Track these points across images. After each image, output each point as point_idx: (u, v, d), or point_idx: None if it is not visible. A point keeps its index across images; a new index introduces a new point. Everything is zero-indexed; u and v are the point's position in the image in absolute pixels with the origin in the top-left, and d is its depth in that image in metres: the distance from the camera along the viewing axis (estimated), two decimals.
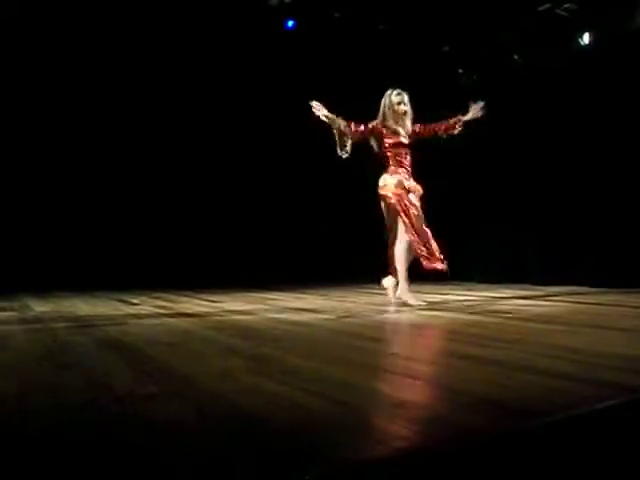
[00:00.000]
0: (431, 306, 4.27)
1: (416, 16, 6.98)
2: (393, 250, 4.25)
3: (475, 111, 4.52)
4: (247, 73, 7.62)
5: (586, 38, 6.71)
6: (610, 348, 2.31)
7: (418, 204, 4.28)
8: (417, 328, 3.21)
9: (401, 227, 4.19)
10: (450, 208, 7.44)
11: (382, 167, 4.42)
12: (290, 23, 7.26)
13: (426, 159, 4.58)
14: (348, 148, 4.28)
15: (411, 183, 4.35)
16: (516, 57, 7.53)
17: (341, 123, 4.26)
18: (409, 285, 4.25)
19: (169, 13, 6.63)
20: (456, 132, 4.52)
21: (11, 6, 6.10)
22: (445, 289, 6.18)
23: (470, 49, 7.81)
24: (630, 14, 6.14)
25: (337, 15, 7.04)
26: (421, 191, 4.39)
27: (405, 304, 4.18)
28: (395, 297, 4.29)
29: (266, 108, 7.87)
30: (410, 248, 4.17)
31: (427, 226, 4.22)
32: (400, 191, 4.24)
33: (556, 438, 1.30)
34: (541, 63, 7.14)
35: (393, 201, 4.24)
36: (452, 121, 4.52)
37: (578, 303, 4.51)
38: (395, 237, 4.24)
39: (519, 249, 7.26)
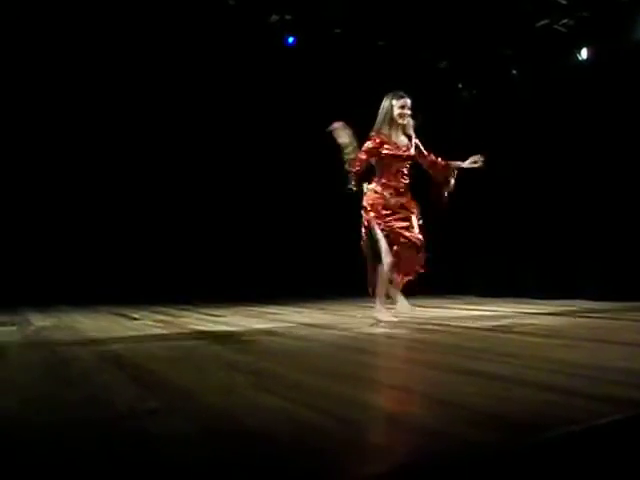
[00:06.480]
0: (430, 320, 4.26)
1: (415, 32, 7.05)
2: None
3: (473, 161, 4.08)
4: (248, 89, 7.68)
5: (584, 53, 6.78)
6: (611, 362, 2.31)
7: (401, 224, 3.87)
8: (416, 342, 3.20)
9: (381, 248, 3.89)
10: (449, 223, 7.45)
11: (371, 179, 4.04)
12: (290, 39, 7.33)
13: (424, 175, 4.47)
14: (353, 182, 3.95)
15: (400, 200, 3.92)
16: (515, 72, 7.59)
17: (351, 154, 3.88)
18: (383, 303, 4.01)
19: (172, 25, 6.69)
20: (444, 187, 4.09)
21: (11, 6, 6.13)
22: (444, 303, 6.17)
23: (469, 64, 7.87)
24: (627, 29, 6.20)
25: (337, 31, 7.11)
26: (411, 209, 3.95)
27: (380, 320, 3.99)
28: (397, 312, 4.10)
29: (267, 124, 7.93)
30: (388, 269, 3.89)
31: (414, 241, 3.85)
32: (377, 209, 3.89)
33: (557, 453, 1.29)
34: (539, 78, 7.20)
35: (366, 218, 3.97)
36: (445, 164, 4.09)
37: (578, 317, 4.50)
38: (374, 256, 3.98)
39: (518, 263, 7.26)
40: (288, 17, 6.87)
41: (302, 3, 6.70)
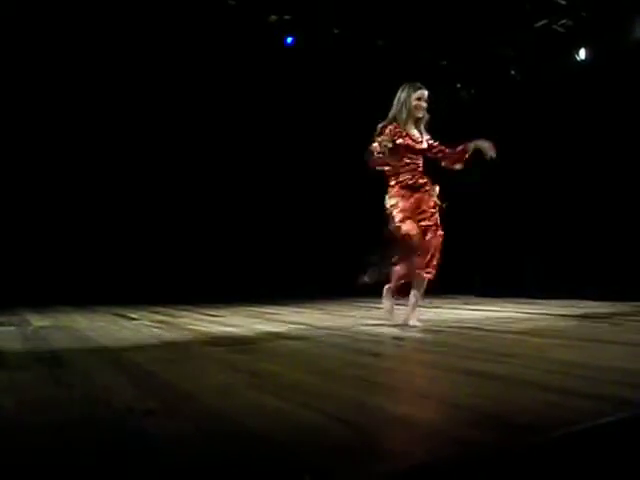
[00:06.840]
0: (431, 321, 4.26)
1: (414, 32, 7.05)
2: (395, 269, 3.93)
3: (484, 144, 3.81)
4: (247, 90, 7.68)
5: (582, 53, 6.79)
6: (611, 362, 2.31)
7: (424, 220, 3.78)
8: (416, 343, 3.20)
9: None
10: (449, 222, 7.45)
11: (385, 183, 3.90)
12: (289, 39, 7.33)
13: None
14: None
15: (416, 196, 3.79)
16: (513, 72, 7.60)
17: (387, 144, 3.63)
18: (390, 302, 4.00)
19: (172, 25, 6.70)
20: (457, 167, 3.93)
21: (9, 5, 6.11)
22: (444, 303, 6.17)
23: (468, 64, 7.88)
24: (626, 30, 6.21)
25: (336, 31, 7.11)
26: (429, 202, 3.82)
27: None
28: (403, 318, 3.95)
29: (265, 125, 7.93)
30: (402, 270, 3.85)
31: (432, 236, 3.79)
32: (398, 214, 3.76)
33: (556, 454, 1.29)
34: (538, 78, 7.21)
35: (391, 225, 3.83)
36: (458, 150, 3.88)
37: (579, 317, 4.50)
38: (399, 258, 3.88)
39: (519, 263, 7.27)
40: (287, 17, 6.87)
41: (301, 3, 6.70)
